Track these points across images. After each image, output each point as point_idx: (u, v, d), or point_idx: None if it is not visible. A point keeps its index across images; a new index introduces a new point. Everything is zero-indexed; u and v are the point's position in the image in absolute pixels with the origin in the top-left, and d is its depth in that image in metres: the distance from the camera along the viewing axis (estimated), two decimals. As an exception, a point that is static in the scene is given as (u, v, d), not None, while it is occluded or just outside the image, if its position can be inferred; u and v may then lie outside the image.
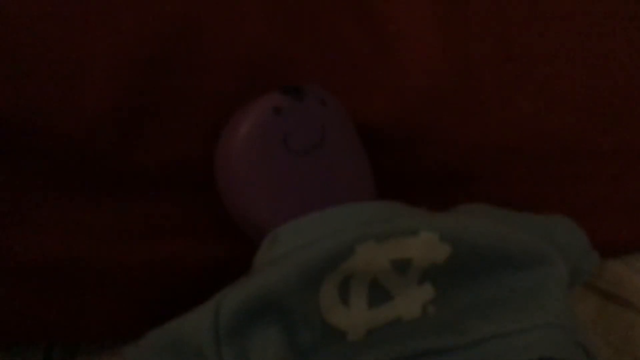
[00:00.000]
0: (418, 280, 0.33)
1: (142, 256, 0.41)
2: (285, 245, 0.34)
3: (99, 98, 0.39)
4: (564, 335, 0.32)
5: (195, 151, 0.41)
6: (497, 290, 0.33)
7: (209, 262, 0.42)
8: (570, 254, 0.37)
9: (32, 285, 0.40)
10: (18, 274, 0.40)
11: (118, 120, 0.40)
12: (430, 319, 0.32)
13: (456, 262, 0.33)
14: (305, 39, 0.43)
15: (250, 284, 0.32)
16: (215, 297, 0.32)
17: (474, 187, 0.46)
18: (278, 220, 0.35)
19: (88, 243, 0.41)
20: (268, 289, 0.31)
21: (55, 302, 0.40)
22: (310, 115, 0.37)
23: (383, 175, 0.40)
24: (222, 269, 0.37)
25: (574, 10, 0.45)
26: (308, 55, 0.43)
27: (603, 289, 0.46)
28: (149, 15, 0.40)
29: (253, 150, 0.36)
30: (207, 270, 0.42)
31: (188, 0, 0.41)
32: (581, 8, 0.45)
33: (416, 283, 0.33)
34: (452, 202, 0.40)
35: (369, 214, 0.35)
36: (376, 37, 0.44)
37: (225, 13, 0.42)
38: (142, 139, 0.41)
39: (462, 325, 0.32)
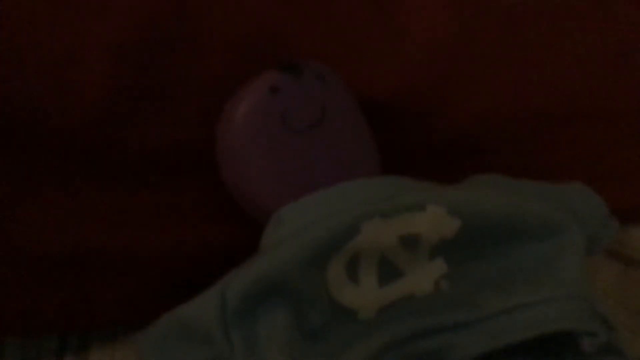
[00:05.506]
0: (429, 255, 0.32)
1: (149, 243, 0.41)
2: (289, 226, 0.34)
3: (95, 83, 0.39)
4: (581, 306, 0.31)
5: (197, 134, 0.41)
6: (511, 263, 0.33)
7: (217, 246, 0.42)
8: (587, 222, 0.36)
9: (44, 276, 0.40)
10: (30, 266, 0.40)
11: (116, 105, 0.40)
12: (443, 294, 0.31)
13: (467, 236, 0.32)
14: (305, 14, 0.42)
15: (256, 267, 0.31)
16: (222, 281, 0.32)
17: (485, 158, 0.45)
18: (281, 201, 0.35)
19: (96, 231, 0.41)
20: (273, 271, 0.31)
21: (68, 291, 0.41)
22: (308, 93, 0.36)
23: (390, 151, 0.39)
24: (230, 253, 0.37)
25: None
26: (308, 31, 0.42)
27: (625, 255, 0.46)
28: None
29: (251, 131, 0.36)
30: (215, 254, 0.41)
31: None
32: None
33: (427, 259, 0.32)
34: (463, 175, 0.39)
35: (373, 190, 0.34)
36: (377, 8, 0.43)
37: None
38: (143, 124, 0.40)
39: (477, 299, 0.31)
